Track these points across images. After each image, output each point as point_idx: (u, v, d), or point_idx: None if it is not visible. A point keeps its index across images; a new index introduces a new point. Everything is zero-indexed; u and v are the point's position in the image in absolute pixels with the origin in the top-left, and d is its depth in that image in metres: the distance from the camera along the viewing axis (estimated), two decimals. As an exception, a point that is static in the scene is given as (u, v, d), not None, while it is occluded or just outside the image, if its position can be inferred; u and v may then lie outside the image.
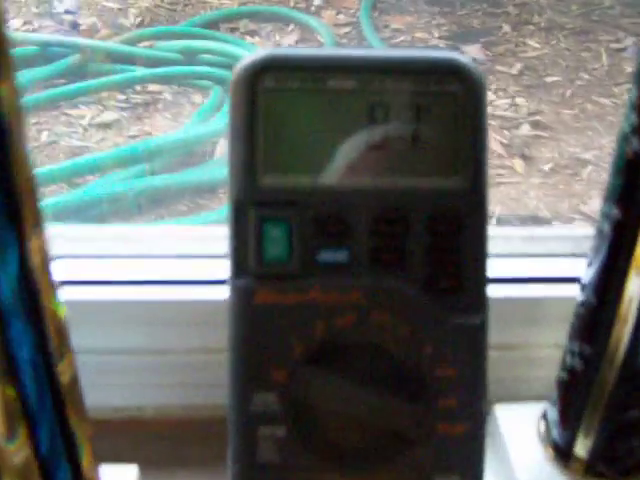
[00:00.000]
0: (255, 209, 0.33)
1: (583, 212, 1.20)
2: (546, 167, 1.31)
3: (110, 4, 1.81)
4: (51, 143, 1.34)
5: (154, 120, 1.42)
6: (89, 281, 0.45)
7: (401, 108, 0.34)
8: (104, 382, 0.45)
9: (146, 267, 0.46)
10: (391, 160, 0.34)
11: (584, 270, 0.40)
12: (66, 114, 1.42)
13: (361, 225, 0.33)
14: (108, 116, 1.42)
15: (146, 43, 1.63)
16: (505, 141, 1.35)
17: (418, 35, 1.72)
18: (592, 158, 1.33)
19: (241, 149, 0.33)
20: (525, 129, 1.40)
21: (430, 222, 0.33)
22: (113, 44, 1.59)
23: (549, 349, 0.46)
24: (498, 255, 0.47)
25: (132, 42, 1.61)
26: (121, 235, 0.48)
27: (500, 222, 1.13)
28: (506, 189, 1.23)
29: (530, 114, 1.44)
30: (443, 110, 0.34)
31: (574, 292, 0.41)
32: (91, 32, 1.69)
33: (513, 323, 0.46)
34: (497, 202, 1.18)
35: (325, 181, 0.34)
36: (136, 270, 0.46)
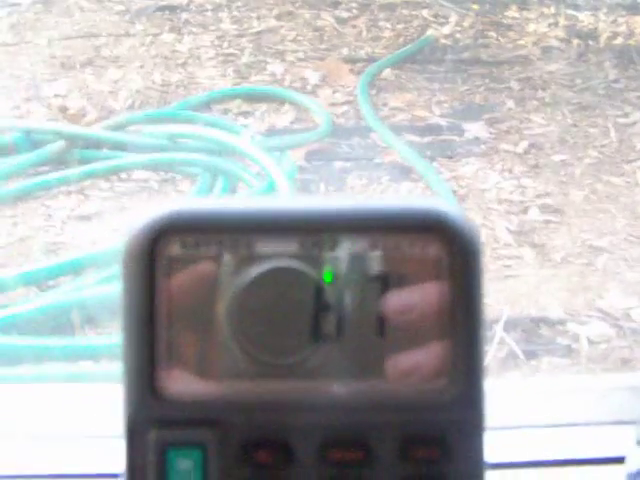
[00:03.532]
0: (155, 430, 0.24)
1: (601, 309, 1.11)
2: (557, 256, 1.23)
3: (101, 87, 1.79)
4: (25, 238, 1.27)
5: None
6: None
7: (363, 281, 0.25)
8: None
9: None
10: (348, 356, 0.25)
11: None
12: (45, 205, 1.35)
13: (306, 452, 0.25)
14: (89, 208, 1.35)
15: (134, 127, 1.58)
16: (512, 227, 1.27)
17: (418, 113, 1.67)
18: (607, 245, 1.26)
19: (136, 344, 0.24)
20: (533, 213, 1.32)
21: (403, 447, 0.25)
22: (98, 131, 1.55)
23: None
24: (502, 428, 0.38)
25: (119, 127, 1.58)
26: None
27: (508, 328, 1.04)
28: (515, 283, 1.15)
29: (538, 196, 1.37)
30: (422, 284, 0.25)
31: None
32: (79, 116, 1.65)
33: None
34: (506, 300, 1.10)
35: (254, 389, 0.25)
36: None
